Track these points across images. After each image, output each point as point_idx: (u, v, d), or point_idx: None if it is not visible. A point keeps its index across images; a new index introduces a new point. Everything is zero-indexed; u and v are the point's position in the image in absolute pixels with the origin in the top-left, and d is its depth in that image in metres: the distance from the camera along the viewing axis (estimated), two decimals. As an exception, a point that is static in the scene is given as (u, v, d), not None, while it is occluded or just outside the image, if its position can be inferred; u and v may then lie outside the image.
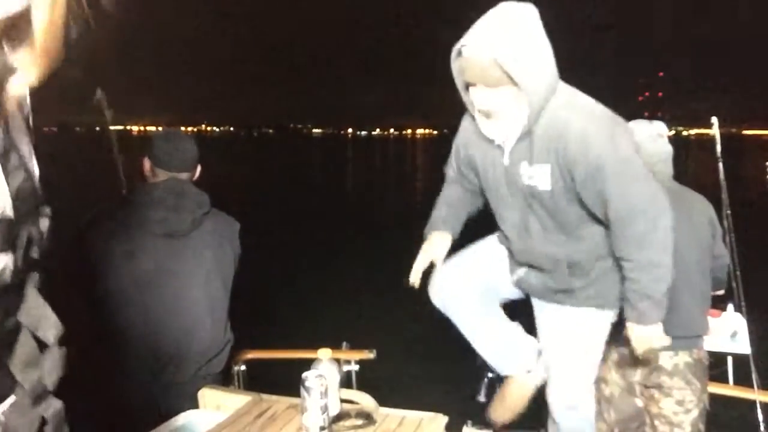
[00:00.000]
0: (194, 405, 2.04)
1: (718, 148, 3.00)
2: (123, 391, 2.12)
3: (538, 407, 4.37)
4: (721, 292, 2.76)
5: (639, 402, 2.56)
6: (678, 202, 2.56)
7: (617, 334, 2.53)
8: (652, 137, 2.58)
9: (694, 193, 2.62)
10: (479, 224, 2.45)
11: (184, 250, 2.22)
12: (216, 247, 2.30)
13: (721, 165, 2.96)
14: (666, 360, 2.48)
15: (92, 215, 2.27)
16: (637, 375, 2.51)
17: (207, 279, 2.26)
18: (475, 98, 2.00)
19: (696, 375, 2.49)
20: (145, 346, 2.16)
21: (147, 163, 2.32)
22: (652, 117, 2.75)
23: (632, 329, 2.08)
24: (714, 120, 3.06)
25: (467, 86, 2.02)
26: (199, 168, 2.37)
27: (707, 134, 3.17)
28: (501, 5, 1.93)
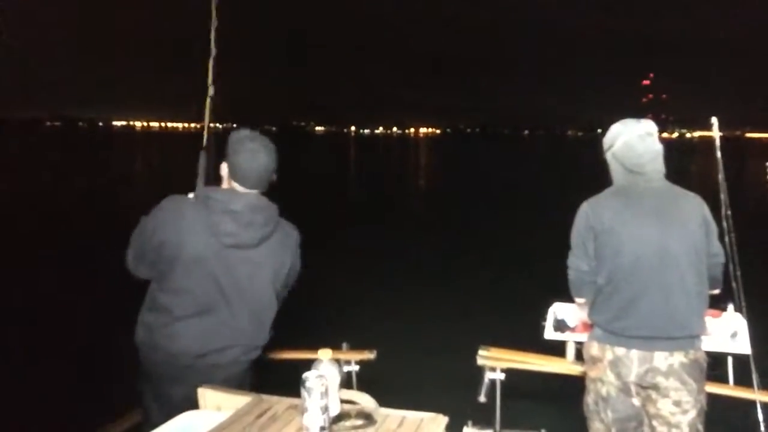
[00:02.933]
0: (231, 383, 2.18)
1: (718, 148, 3.00)
2: (154, 364, 2.32)
3: (538, 407, 4.39)
4: (717, 291, 2.72)
5: (636, 402, 2.55)
6: (668, 201, 2.56)
7: (612, 336, 2.54)
8: (641, 136, 2.57)
9: (685, 192, 2.60)
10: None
11: (249, 260, 2.33)
12: (277, 261, 2.40)
13: (720, 165, 2.96)
14: (661, 360, 2.47)
15: (172, 203, 2.35)
16: (632, 375, 2.51)
17: (261, 288, 2.37)
18: None
19: (692, 375, 2.48)
20: (191, 333, 2.29)
21: (224, 170, 2.39)
22: (655, 119, 2.75)
23: None
24: (714, 120, 3.05)
25: None
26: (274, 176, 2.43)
27: (710, 136, 3.15)
28: None
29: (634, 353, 2.49)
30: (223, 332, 2.31)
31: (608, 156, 2.65)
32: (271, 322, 2.43)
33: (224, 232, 2.27)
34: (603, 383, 2.56)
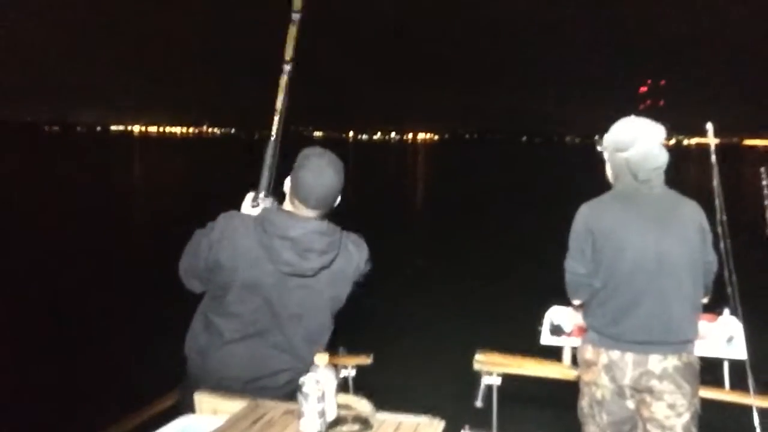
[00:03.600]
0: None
1: (713, 154, 3.01)
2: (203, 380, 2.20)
3: (534, 412, 4.39)
4: (706, 300, 2.70)
5: (630, 405, 2.55)
6: (667, 207, 2.56)
7: (607, 339, 2.55)
8: (659, 148, 2.55)
9: (685, 198, 2.61)
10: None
11: (306, 287, 2.22)
12: (337, 289, 2.29)
13: (716, 171, 2.97)
14: (655, 364, 2.47)
15: (230, 222, 2.24)
16: (627, 378, 2.51)
17: (317, 313, 2.27)
18: None
19: (686, 378, 2.49)
20: (240, 355, 2.21)
21: (287, 185, 2.26)
22: None
23: None
24: (709, 126, 3.07)
25: None
26: (339, 198, 2.27)
27: (707, 143, 3.16)
28: None
29: (629, 356, 2.50)
30: (276, 356, 2.22)
31: (617, 157, 2.58)
32: (326, 342, 2.32)
33: (283, 260, 2.15)
34: (598, 387, 2.57)
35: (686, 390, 2.48)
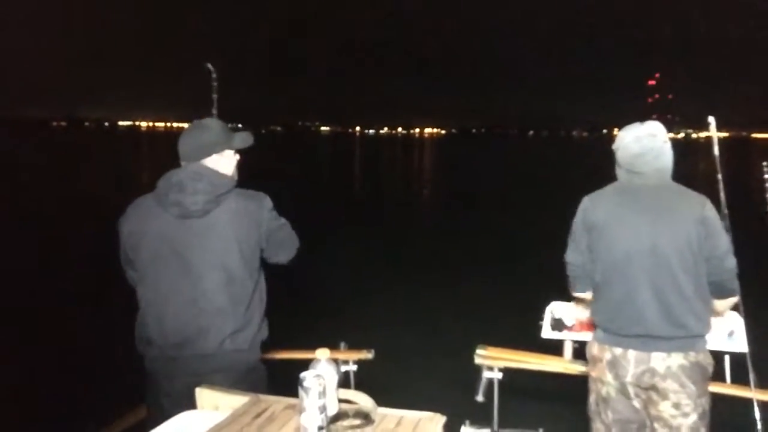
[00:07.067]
0: (227, 377, 2.20)
1: (716, 148, 3.01)
2: (150, 361, 2.38)
3: (535, 406, 4.40)
4: (734, 299, 2.63)
5: (637, 404, 2.53)
6: (664, 200, 2.52)
7: (611, 336, 2.55)
8: (638, 138, 2.56)
9: (688, 192, 2.56)
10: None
11: (201, 230, 2.36)
12: (237, 226, 2.40)
13: (718, 165, 2.96)
14: (658, 362, 2.45)
15: (133, 202, 2.47)
16: (629, 376, 2.49)
17: (225, 256, 2.37)
18: None
19: (692, 378, 2.45)
20: (165, 319, 2.35)
21: None
22: (661, 119, 2.73)
23: None
24: (711, 120, 3.08)
25: None
26: (230, 154, 2.50)
27: (717, 137, 3.15)
28: None
29: (631, 353, 2.48)
30: (195, 312, 2.34)
31: (614, 157, 2.68)
32: (249, 298, 2.41)
33: (170, 202, 2.35)
34: (603, 384, 2.57)
35: (691, 390, 2.44)
